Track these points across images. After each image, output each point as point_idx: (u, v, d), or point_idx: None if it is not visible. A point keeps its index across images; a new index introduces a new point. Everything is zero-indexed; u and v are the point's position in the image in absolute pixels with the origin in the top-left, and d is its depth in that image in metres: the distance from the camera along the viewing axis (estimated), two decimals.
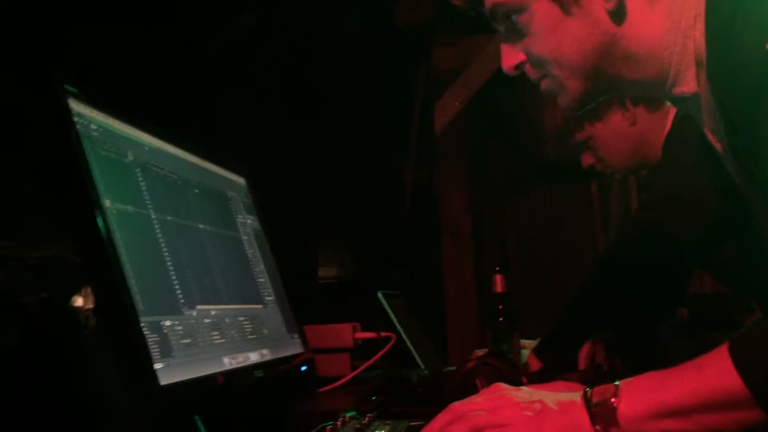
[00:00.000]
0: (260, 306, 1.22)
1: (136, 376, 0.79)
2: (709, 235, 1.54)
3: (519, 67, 1.04)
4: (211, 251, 1.10)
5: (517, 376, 1.40)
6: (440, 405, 0.88)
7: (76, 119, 0.85)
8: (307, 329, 1.40)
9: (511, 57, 1.04)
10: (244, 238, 1.27)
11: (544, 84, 1.03)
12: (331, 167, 3.43)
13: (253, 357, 1.09)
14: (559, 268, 3.36)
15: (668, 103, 1.78)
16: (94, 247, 0.79)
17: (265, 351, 1.14)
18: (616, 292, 1.69)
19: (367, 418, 1.06)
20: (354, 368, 1.47)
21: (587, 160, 1.88)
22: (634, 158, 1.81)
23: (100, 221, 0.80)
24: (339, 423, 1.03)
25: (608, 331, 1.72)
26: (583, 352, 1.63)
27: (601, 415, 0.80)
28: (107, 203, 0.84)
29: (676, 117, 1.73)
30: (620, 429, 0.79)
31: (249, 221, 1.33)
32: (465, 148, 3.55)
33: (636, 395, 0.80)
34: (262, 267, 1.30)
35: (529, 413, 0.82)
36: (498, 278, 1.61)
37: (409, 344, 1.74)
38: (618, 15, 0.93)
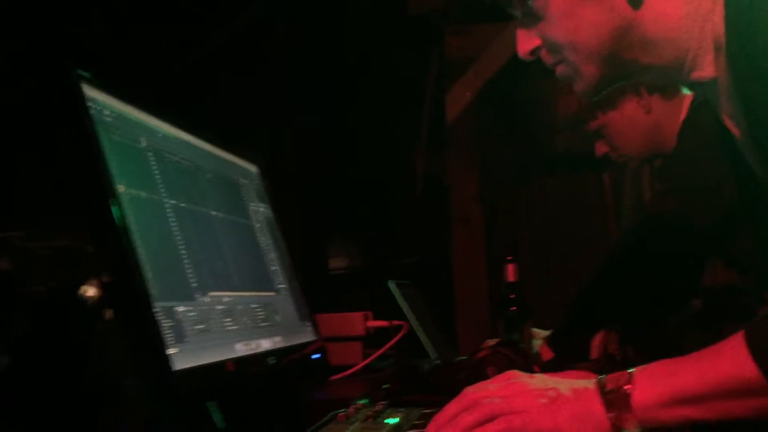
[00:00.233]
0: (272, 293, 1.22)
1: (149, 361, 0.79)
2: (725, 223, 1.53)
3: (534, 52, 1.03)
4: (223, 238, 1.10)
5: (529, 366, 1.39)
6: (452, 394, 0.88)
7: (89, 104, 0.85)
8: (319, 318, 1.40)
9: (526, 42, 1.03)
10: (257, 225, 1.27)
11: (560, 69, 1.01)
12: (341, 158, 3.43)
13: (266, 344, 1.09)
14: (571, 259, 3.35)
15: (683, 92, 1.76)
16: (107, 233, 0.79)
17: (277, 338, 1.14)
18: (628, 282, 1.68)
19: (379, 406, 1.06)
20: (365, 357, 1.47)
21: (601, 148, 1.87)
22: (649, 147, 1.80)
23: (113, 207, 0.80)
24: (351, 410, 1.03)
25: (620, 322, 1.72)
26: (596, 342, 1.63)
27: (615, 402, 0.79)
28: (121, 189, 0.84)
29: (691, 105, 1.72)
30: (634, 416, 0.79)
31: (261, 209, 1.33)
32: (476, 138, 3.54)
33: (650, 382, 0.80)
34: (274, 255, 1.30)
35: (543, 400, 0.81)
36: (510, 267, 1.60)
37: (420, 333, 1.73)
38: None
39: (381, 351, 1.42)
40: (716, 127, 1.03)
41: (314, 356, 1.28)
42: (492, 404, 0.82)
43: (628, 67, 0.97)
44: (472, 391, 0.87)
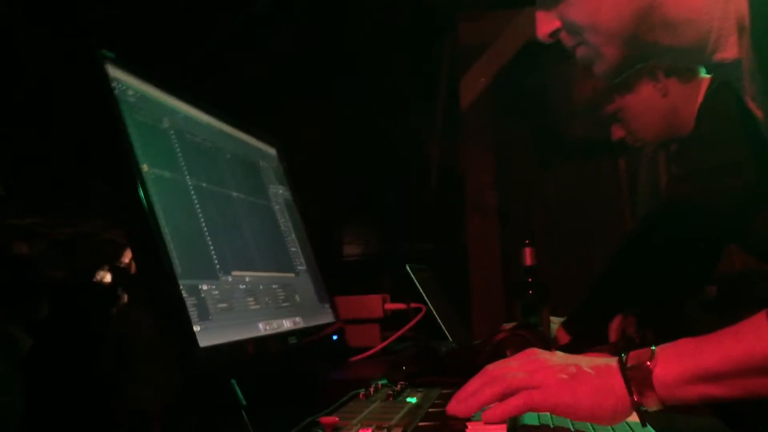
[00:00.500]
0: (292, 274, 1.22)
1: (175, 338, 0.80)
2: (743, 207, 1.52)
3: (554, 34, 1.03)
4: (244, 219, 1.11)
5: (547, 348, 1.40)
6: (470, 376, 0.89)
7: (113, 84, 0.85)
8: (338, 300, 1.41)
9: (546, 24, 1.03)
10: (276, 207, 1.28)
11: (580, 51, 1.01)
12: (355, 145, 3.43)
13: (287, 324, 1.10)
14: (586, 245, 3.34)
15: (700, 75, 1.75)
16: (133, 211, 0.80)
17: (297, 319, 1.15)
18: (644, 269, 1.68)
19: (399, 386, 1.07)
20: (383, 339, 1.48)
21: (617, 132, 1.86)
22: (665, 130, 1.79)
23: (138, 185, 0.81)
24: (371, 390, 1.04)
25: (637, 306, 1.72)
26: (614, 325, 1.63)
27: (637, 378, 0.79)
28: (145, 168, 0.85)
29: (708, 88, 1.71)
30: (655, 393, 0.79)
31: (280, 191, 1.33)
32: (491, 125, 3.53)
33: (672, 359, 0.80)
34: (294, 236, 1.31)
35: (563, 376, 0.82)
36: (527, 251, 1.61)
37: (437, 317, 1.74)
38: None
39: (400, 332, 1.43)
40: (738, 108, 1.02)
41: (333, 337, 1.29)
42: (513, 379, 0.82)
43: (649, 49, 0.97)
44: (492, 368, 0.87)
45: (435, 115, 3.58)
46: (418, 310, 1.56)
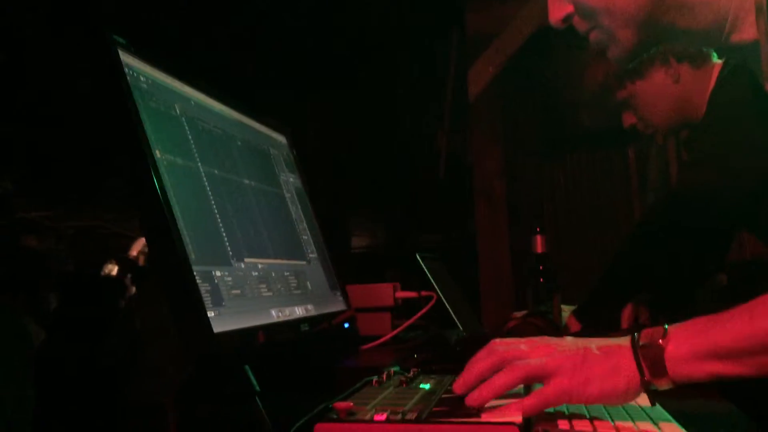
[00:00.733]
0: (304, 262, 1.22)
1: (189, 323, 0.80)
2: (755, 194, 1.51)
3: (567, 19, 1.02)
4: (256, 206, 1.11)
5: (558, 336, 1.39)
6: None
7: (126, 70, 0.85)
8: (349, 288, 1.41)
9: (559, 9, 1.02)
10: (287, 195, 1.28)
11: (594, 36, 1.00)
12: (363, 137, 3.42)
13: (299, 311, 1.10)
14: (596, 234, 3.33)
15: (712, 61, 1.74)
16: (147, 197, 0.80)
17: (309, 306, 1.15)
18: (655, 255, 1.67)
19: (412, 373, 1.07)
20: (394, 327, 1.48)
21: (628, 119, 1.85)
22: (677, 116, 1.78)
23: (152, 171, 0.81)
24: (384, 376, 1.04)
25: (648, 294, 1.71)
26: (626, 313, 1.62)
27: (648, 356, 0.79)
28: (158, 154, 0.85)
29: (720, 74, 1.70)
30: (666, 371, 0.78)
31: (291, 179, 1.33)
32: (499, 115, 3.52)
33: (684, 337, 0.79)
34: (305, 225, 1.30)
35: (574, 360, 0.81)
36: (538, 239, 1.60)
37: (447, 305, 1.74)
38: None
39: (411, 320, 1.43)
40: (754, 91, 1.01)
41: (345, 325, 1.29)
42: (524, 366, 0.82)
43: (664, 32, 0.96)
44: (502, 348, 0.87)
45: (443, 105, 3.57)
46: (429, 298, 1.56)
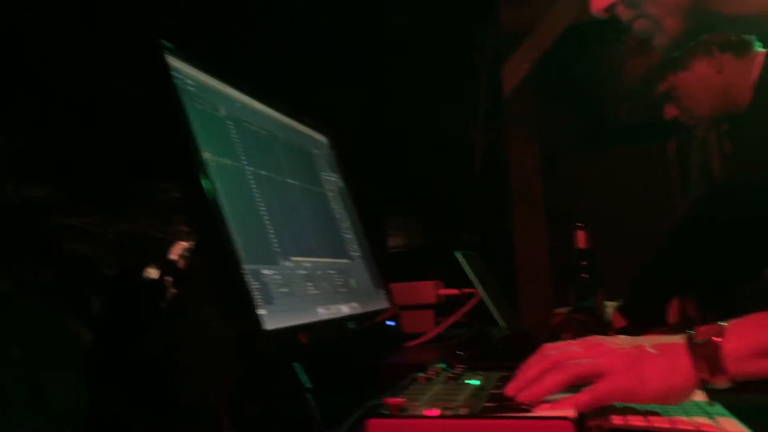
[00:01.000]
0: (348, 261, 1.23)
1: (240, 322, 0.81)
2: None
3: (610, 8, 1.01)
4: (300, 205, 1.12)
5: (604, 331, 1.38)
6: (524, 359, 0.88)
7: (173, 74, 0.87)
8: (392, 286, 1.41)
9: None
10: (330, 194, 1.29)
11: (639, 25, 0.99)
12: (397, 135, 3.42)
13: (345, 309, 1.10)
14: (636, 229, 3.29)
15: (755, 50, 1.71)
16: (197, 198, 0.81)
17: (354, 304, 1.15)
18: (700, 250, 1.65)
19: (458, 369, 1.07)
20: (437, 324, 1.48)
21: (671, 111, 1.82)
22: (720, 107, 1.75)
23: (202, 173, 0.82)
24: (431, 373, 1.04)
25: (693, 289, 1.69)
26: (673, 308, 1.60)
27: (705, 354, 0.78)
28: (207, 156, 0.86)
29: (765, 63, 1.66)
30: (724, 368, 0.77)
31: (332, 178, 1.34)
32: (535, 110, 3.50)
33: (742, 333, 0.78)
34: (348, 223, 1.31)
35: (629, 360, 0.80)
36: (580, 234, 1.59)
37: (488, 302, 1.73)
38: None
39: (456, 316, 1.43)
40: None
41: (389, 323, 1.30)
42: (577, 365, 0.81)
43: (711, 20, 0.95)
44: (554, 352, 0.86)
45: (478, 102, 3.56)
46: (471, 295, 1.56)
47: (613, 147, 3.54)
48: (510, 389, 0.84)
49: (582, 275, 1.57)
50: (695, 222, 1.72)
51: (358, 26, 3.07)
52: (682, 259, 1.68)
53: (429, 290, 1.51)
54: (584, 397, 0.78)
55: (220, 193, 0.85)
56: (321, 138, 1.38)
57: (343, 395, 0.96)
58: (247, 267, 0.84)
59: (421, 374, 1.03)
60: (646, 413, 0.81)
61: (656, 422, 0.78)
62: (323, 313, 1.02)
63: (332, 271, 1.13)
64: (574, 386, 0.81)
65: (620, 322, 1.67)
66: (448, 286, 1.68)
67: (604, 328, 1.43)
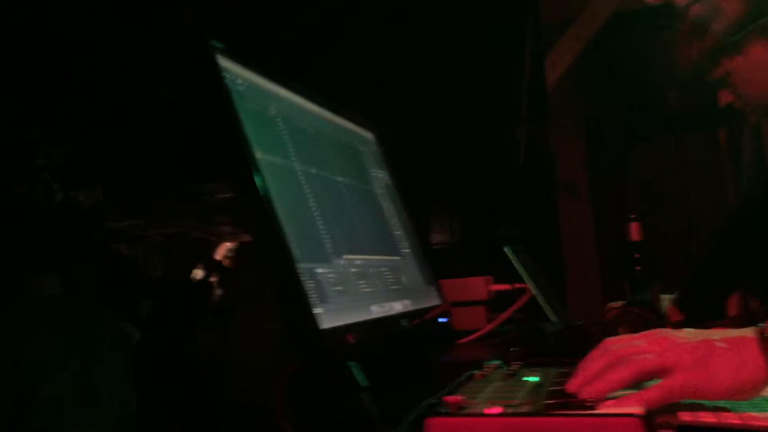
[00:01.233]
0: (398, 258, 1.22)
1: (297, 320, 0.80)
2: None
3: None
4: (350, 203, 1.11)
5: (662, 325, 1.34)
6: (583, 355, 0.85)
7: (224, 74, 0.87)
8: (442, 283, 1.40)
9: None
10: (378, 191, 1.28)
11: (696, 9, 0.96)
12: (440, 129, 3.40)
13: (397, 307, 1.10)
14: (686, 221, 3.21)
15: None
16: (251, 198, 0.81)
17: (407, 301, 1.14)
18: (759, 240, 1.60)
19: (515, 366, 1.05)
20: (489, 321, 1.46)
21: (725, 98, 1.76)
22: None
23: (255, 172, 0.82)
24: (488, 370, 1.02)
25: (755, 280, 1.63)
26: (734, 300, 1.55)
27: None
28: (259, 155, 0.86)
29: None
30: None
31: (380, 175, 1.33)
32: (579, 102, 3.44)
33: None
34: (397, 220, 1.30)
35: (697, 354, 0.78)
36: (633, 226, 1.55)
37: (539, 297, 1.70)
38: None
39: (508, 312, 1.41)
40: None
41: (441, 320, 1.28)
42: (643, 360, 0.78)
43: None
44: (617, 346, 0.83)
45: (520, 95, 3.52)
46: (523, 290, 1.53)
47: (661, 136, 3.46)
48: (572, 385, 0.81)
49: (636, 268, 1.53)
50: (755, 210, 1.67)
51: (401, 23, 3.05)
52: (742, 251, 1.63)
53: (480, 286, 1.49)
54: (652, 393, 0.76)
55: (272, 192, 0.84)
56: (367, 135, 1.37)
57: (397, 393, 0.95)
58: (301, 266, 0.84)
59: (477, 371, 1.01)
60: (715, 409, 0.78)
61: (726, 418, 0.75)
62: (377, 311, 1.02)
63: (384, 269, 1.12)
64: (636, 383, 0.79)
65: (676, 315, 1.62)
66: (495, 282, 1.65)
67: (662, 321, 1.39)
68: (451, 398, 0.80)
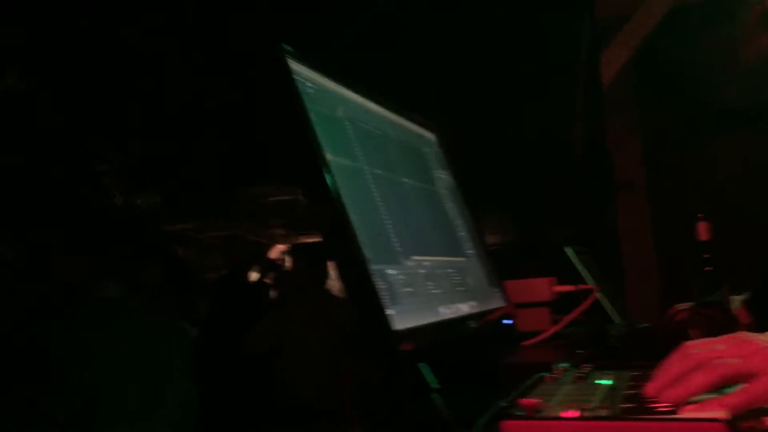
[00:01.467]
0: (463, 259, 1.21)
1: (371, 322, 0.80)
2: None
3: None
4: (415, 204, 1.11)
5: (734, 327, 1.31)
6: (654, 359, 0.83)
7: (295, 77, 0.87)
8: (504, 284, 1.38)
9: None
10: (442, 192, 1.27)
11: None
12: (494, 129, 3.38)
13: (464, 308, 1.09)
14: (752, 220, 3.12)
15: None
16: (324, 199, 0.81)
17: (473, 303, 1.13)
18: None
19: (585, 369, 1.03)
20: (553, 323, 1.44)
21: None
22: None
23: (327, 175, 0.82)
24: (558, 372, 1.01)
25: None
26: None
27: None
28: (329, 157, 0.86)
29: None
30: None
31: (443, 176, 1.33)
32: (636, 99, 3.38)
33: None
34: (460, 221, 1.29)
35: None
36: (702, 225, 1.51)
37: (603, 298, 1.67)
38: None
39: (575, 314, 1.39)
40: None
41: (506, 321, 1.27)
42: (725, 365, 0.76)
43: None
44: (698, 350, 0.81)
45: (575, 93, 3.47)
46: (589, 292, 1.51)
47: (721, 133, 3.37)
48: (651, 389, 0.79)
49: (706, 268, 1.49)
50: None
51: (453, 21, 3.04)
52: None
53: (544, 287, 1.47)
54: (736, 398, 0.73)
55: (343, 194, 0.85)
56: (429, 135, 1.37)
57: (465, 395, 0.94)
58: (373, 268, 0.84)
59: (546, 374, 1.00)
60: None
61: None
62: (445, 312, 1.01)
63: (450, 270, 1.11)
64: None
65: (747, 317, 1.58)
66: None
67: (735, 323, 1.35)
68: (527, 401, 0.79)
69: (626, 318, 1.81)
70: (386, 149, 1.11)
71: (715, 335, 0.84)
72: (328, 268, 3.74)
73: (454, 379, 1.02)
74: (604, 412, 0.75)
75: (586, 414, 0.74)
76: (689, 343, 0.84)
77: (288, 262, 4.42)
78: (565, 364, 1.07)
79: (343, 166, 0.90)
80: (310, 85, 0.92)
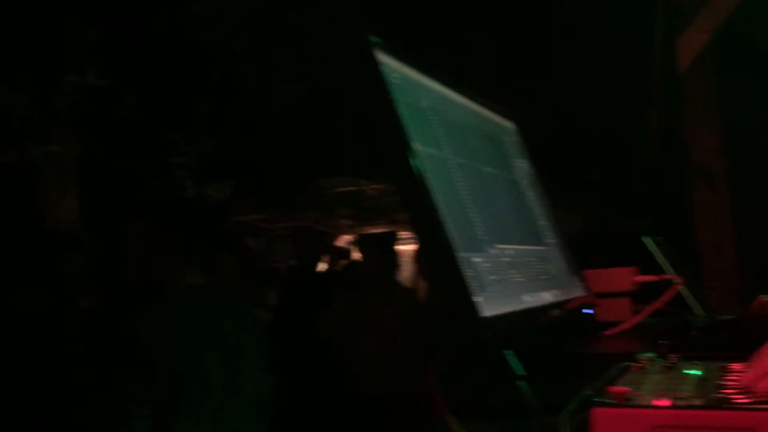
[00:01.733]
0: (544, 247, 1.21)
1: (458, 309, 0.82)
2: None
3: None
4: (497, 193, 1.12)
5: None
6: (739, 350, 0.82)
7: (382, 68, 0.89)
8: (584, 273, 1.37)
9: None
10: (522, 181, 1.27)
11: None
12: (567, 118, 3.33)
13: (547, 297, 1.09)
14: None
15: None
16: (413, 189, 0.83)
17: (555, 291, 1.13)
18: None
19: (672, 359, 1.02)
20: (634, 313, 1.42)
21: None
22: None
23: (416, 164, 0.84)
24: (645, 362, 1.00)
25: None
26: None
27: None
28: (417, 146, 0.87)
29: None
30: None
31: (523, 165, 1.33)
32: (715, 85, 3.27)
33: None
34: (540, 210, 1.29)
35: None
36: None
37: (684, 289, 1.64)
38: None
39: (658, 304, 1.37)
40: None
41: (586, 311, 1.27)
42: None
43: None
44: None
45: (650, 79, 3.38)
46: (670, 282, 1.48)
47: None
48: (747, 379, 0.78)
49: None
50: None
51: (525, 9, 3.01)
52: None
53: (625, 277, 1.45)
54: None
55: (431, 183, 0.86)
56: (509, 125, 1.37)
57: (549, 383, 0.94)
58: (460, 255, 0.85)
59: (632, 363, 0.99)
60: None
61: None
62: (529, 300, 1.01)
63: (532, 258, 1.12)
64: None
65: None
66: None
67: None
68: (617, 389, 0.79)
69: (708, 309, 1.77)
70: (469, 138, 1.11)
71: None
72: (397, 258, 3.77)
73: (537, 367, 1.03)
74: (698, 401, 0.74)
75: (680, 402, 0.73)
76: None
77: (355, 252, 4.47)
78: (650, 354, 1.06)
79: (429, 155, 0.91)
80: (396, 75, 0.93)
